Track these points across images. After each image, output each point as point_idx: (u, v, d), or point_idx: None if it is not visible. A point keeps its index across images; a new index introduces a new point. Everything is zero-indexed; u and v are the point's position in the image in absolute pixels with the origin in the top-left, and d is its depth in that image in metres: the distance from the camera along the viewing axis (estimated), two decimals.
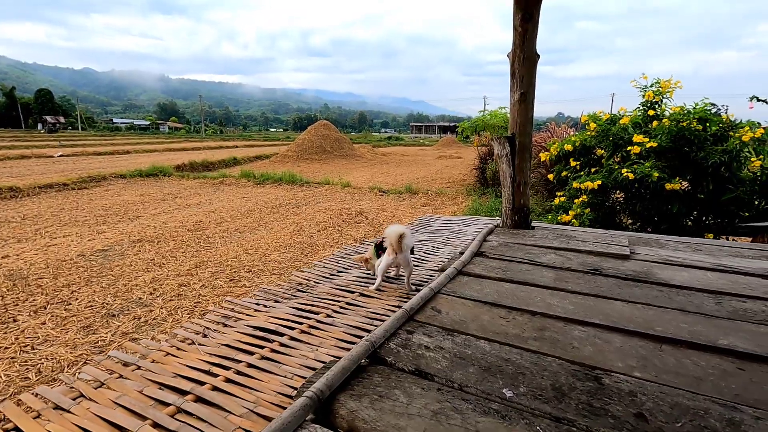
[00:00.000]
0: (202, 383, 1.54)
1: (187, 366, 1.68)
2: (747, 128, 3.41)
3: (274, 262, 4.72)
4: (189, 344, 1.91)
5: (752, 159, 3.41)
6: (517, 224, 3.09)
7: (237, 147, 31.19)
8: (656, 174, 3.32)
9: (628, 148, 3.81)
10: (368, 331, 2.00)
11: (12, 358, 2.69)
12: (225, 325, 2.12)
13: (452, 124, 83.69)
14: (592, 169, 4.08)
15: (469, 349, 1.50)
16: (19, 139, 33.57)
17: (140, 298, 3.66)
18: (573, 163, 4.20)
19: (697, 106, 3.76)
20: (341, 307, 2.30)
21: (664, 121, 3.65)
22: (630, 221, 4.18)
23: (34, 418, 1.39)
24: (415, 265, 2.96)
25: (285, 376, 1.58)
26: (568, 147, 4.16)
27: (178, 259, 4.80)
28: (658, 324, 1.69)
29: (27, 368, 2.58)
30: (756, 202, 3.35)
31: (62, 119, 65.88)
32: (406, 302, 2.24)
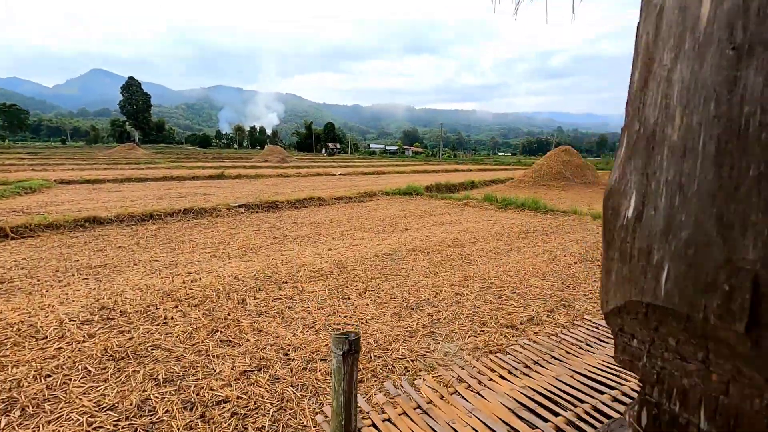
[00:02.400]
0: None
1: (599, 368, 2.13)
2: None
3: (536, 288, 4.85)
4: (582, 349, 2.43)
5: None
6: None
7: (471, 171, 32.95)
8: None
9: None
10: None
11: (356, 325, 3.71)
12: (600, 341, 2.59)
13: None
14: None
15: None
16: (312, 160, 44.96)
17: (428, 299, 4.41)
18: None
19: None
20: None
21: None
22: None
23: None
24: None
25: None
26: None
27: (447, 270, 5.52)
28: None
29: (367, 335, 3.51)
30: None
31: (338, 145, 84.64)
32: None
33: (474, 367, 2.79)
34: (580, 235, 7.89)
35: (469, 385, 2.44)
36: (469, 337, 3.52)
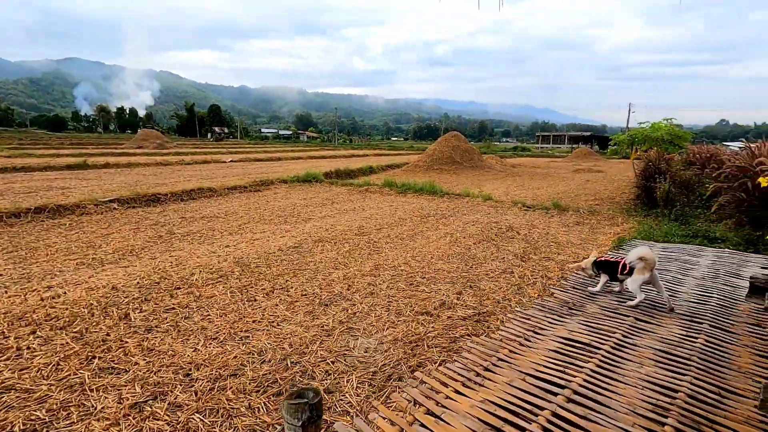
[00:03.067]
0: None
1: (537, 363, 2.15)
2: None
3: (443, 271, 5.03)
4: (519, 346, 2.45)
5: None
6: None
7: (368, 156, 33.33)
8: None
9: None
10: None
11: (267, 330, 3.40)
12: (535, 333, 2.65)
13: (586, 133, 76.95)
14: None
15: None
16: (197, 146, 41.01)
17: (341, 293, 4.26)
18: None
19: None
20: (630, 329, 2.73)
21: None
22: None
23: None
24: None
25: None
26: None
27: (357, 260, 5.42)
28: None
29: (281, 340, 3.24)
30: None
31: (226, 130, 78.54)
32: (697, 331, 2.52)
33: (425, 383, 2.62)
34: (475, 217, 8.45)
35: (428, 410, 2.28)
36: (387, 329, 3.47)
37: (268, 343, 3.17)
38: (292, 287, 4.38)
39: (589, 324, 2.69)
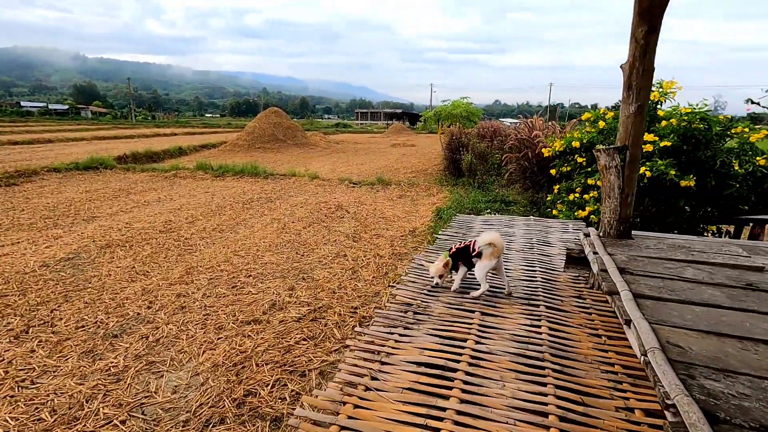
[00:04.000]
0: None
1: (393, 420, 1.69)
2: (745, 128, 3.76)
3: (272, 264, 4.48)
4: (366, 391, 1.93)
5: (758, 159, 3.77)
6: (622, 234, 3.09)
7: (176, 135, 29.07)
8: (673, 172, 3.57)
9: None
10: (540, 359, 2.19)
11: (11, 396, 2.32)
12: (383, 363, 2.16)
13: (398, 110, 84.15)
14: None
15: None
16: None
17: (138, 314, 3.31)
18: (580, 160, 4.40)
19: (698, 106, 4.08)
20: (480, 330, 2.49)
21: (671, 120, 3.92)
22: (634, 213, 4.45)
23: None
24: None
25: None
26: (576, 144, 4.34)
27: (162, 265, 4.40)
28: None
29: (36, 408, 2.23)
30: (752, 197, 3.72)
31: None
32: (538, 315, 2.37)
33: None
34: (303, 198, 8.03)
35: None
36: (204, 352, 2.79)
37: (12, 420, 2.14)
38: (61, 319, 3.19)
39: (438, 333, 2.46)
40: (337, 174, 11.50)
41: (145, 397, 2.35)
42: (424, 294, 3.02)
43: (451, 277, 3.18)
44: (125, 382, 2.46)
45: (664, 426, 1.39)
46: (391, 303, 2.99)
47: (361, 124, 71.39)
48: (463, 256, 3.02)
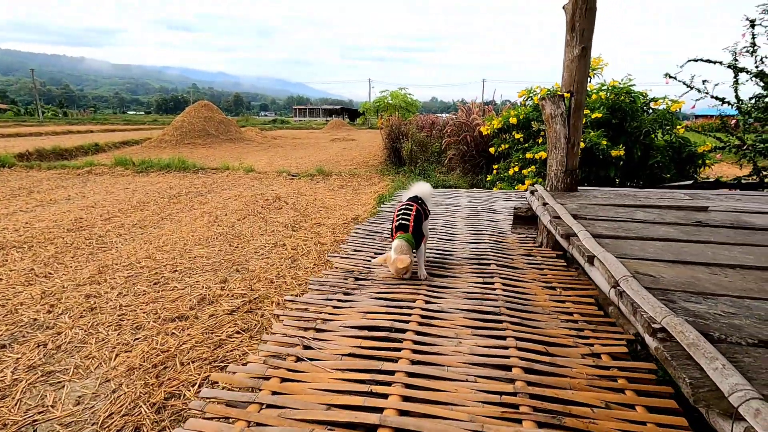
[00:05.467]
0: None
1: (331, 391, 1.44)
2: (663, 100, 4.01)
3: (202, 258, 4.08)
4: (297, 361, 1.64)
5: (678, 127, 4.03)
6: (569, 187, 2.98)
7: (92, 132, 26.43)
8: (604, 142, 3.69)
9: None
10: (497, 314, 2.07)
11: None
12: (318, 330, 1.86)
13: (338, 107, 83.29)
14: (539, 140, 4.38)
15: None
16: None
17: (35, 320, 2.81)
18: (517, 136, 4.45)
19: (623, 82, 4.29)
20: (429, 290, 2.34)
21: (600, 94, 4.08)
22: None
23: None
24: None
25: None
26: (513, 120, 4.40)
27: (69, 265, 3.84)
28: None
29: None
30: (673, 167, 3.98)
31: None
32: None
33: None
34: (238, 191, 7.53)
35: None
36: (117, 356, 2.41)
37: None
38: None
39: (384, 296, 2.31)
40: (274, 167, 11.01)
41: (39, 413, 1.95)
42: (367, 260, 2.88)
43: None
44: (13, 398, 2.03)
45: (657, 351, 1.29)
46: (328, 272, 2.79)
47: (299, 120, 69.72)
48: (421, 227, 2.58)
